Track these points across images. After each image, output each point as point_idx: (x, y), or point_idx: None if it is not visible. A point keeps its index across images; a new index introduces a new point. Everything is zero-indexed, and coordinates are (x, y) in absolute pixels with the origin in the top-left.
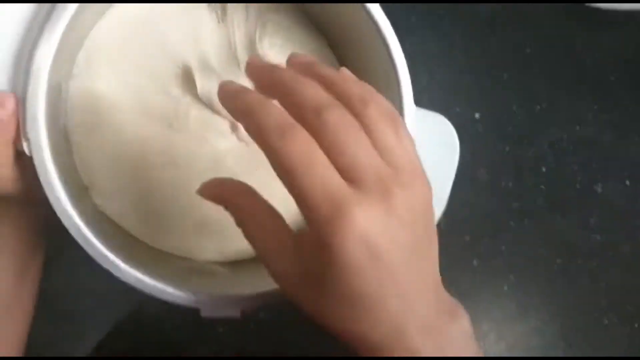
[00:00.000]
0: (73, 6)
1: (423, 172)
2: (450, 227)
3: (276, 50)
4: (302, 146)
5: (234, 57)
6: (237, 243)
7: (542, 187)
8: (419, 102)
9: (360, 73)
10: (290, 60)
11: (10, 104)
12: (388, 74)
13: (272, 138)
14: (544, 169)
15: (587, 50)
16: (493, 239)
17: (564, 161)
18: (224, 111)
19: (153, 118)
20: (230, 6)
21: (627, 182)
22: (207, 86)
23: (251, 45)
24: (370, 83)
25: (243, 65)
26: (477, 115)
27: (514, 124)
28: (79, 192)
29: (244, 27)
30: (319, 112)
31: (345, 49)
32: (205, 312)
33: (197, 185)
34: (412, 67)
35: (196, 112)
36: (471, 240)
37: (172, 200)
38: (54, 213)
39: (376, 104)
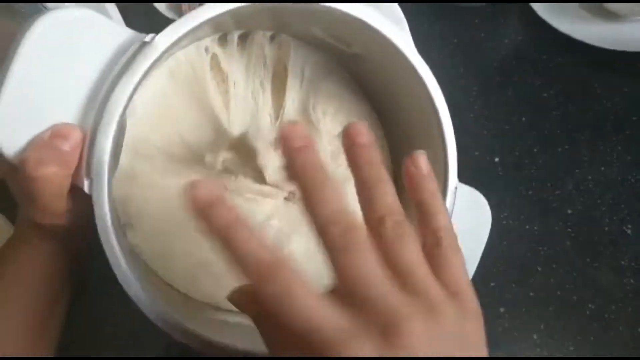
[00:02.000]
0: (155, 54)
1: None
2: (475, 273)
3: (329, 119)
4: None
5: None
6: None
7: (569, 230)
8: None
9: (405, 139)
10: (349, 135)
11: (75, 136)
12: (435, 144)
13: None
14: (570, 211)
15: (606, 92)
16: (520, 285)
17: (590, 203)
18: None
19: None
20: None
21: None
22: (266, 157)
23: (305, 113)
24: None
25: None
26: (496, 159)
27: (536, 167)
28: (118, 229)
29: (297, 95)
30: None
31: (391, 114)
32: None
33: None
34: None
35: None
36: (497, 286)
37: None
38: (97, 246)
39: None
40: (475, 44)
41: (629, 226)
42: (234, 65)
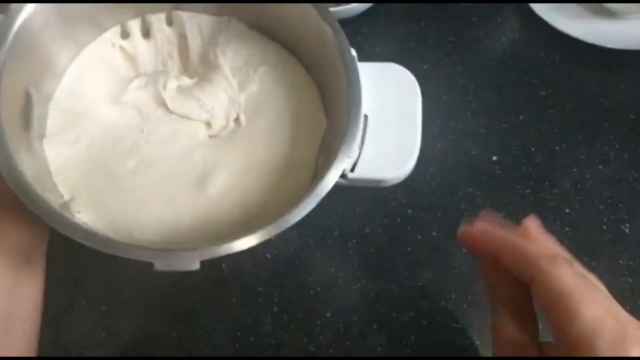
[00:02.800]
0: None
1: None
2: (473, 274)
3: (230, 55)
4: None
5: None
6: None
7: (567, 229)
8: (432, 145)
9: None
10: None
11: None
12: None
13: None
14: (567, 210)
15: (604, 90)
16: None
17: (588, 202)
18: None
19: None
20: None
21: None
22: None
23: (205, 59)
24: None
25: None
26: (494, 158)
27: (533, 166)
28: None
29: (198, 50)
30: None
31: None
32: (160, 266)
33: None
34: (427, 113)
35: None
36: None
37: (145, 199)
38: None
39: None
40: (473, 43)
41: (627, 225)
42: (142, 51)
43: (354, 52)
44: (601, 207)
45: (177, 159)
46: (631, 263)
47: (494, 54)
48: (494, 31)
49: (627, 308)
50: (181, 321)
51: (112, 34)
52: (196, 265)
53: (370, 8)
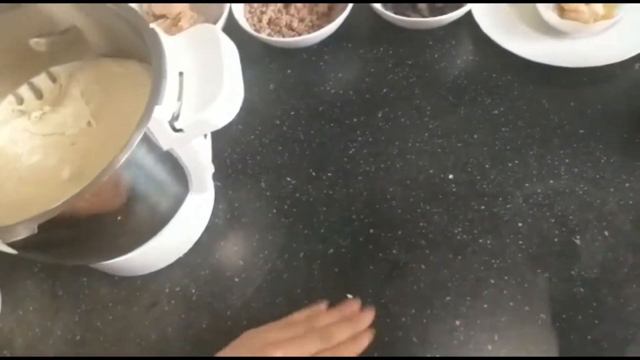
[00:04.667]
0: None
1: None
2: (432, 288)
3: (81, 82)
4: None
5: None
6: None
7: (521, 242)
8: (392, 166)
9: None
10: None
11: None
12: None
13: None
14: (520, 225)
15: (554, 107)
16: (474, 298)
17: (540, 215)
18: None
19: None
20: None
21: (606, 233)
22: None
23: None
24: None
25: None
26: (451, 176)
27: (488, 182)
28: None
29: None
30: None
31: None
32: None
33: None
34: (385, 134)
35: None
36: (452, 300)
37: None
38: None
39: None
40: (429, 65)
41: (578, 237)
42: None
43: (153, 26)
44: (552, 220)
45: (39, 164)
46: (582, 273)
47: (449, 76)
48: (449, 54)
49: (579, 317)
50: (153, 347)
51: (8, 103)
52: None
53: (332, 35)
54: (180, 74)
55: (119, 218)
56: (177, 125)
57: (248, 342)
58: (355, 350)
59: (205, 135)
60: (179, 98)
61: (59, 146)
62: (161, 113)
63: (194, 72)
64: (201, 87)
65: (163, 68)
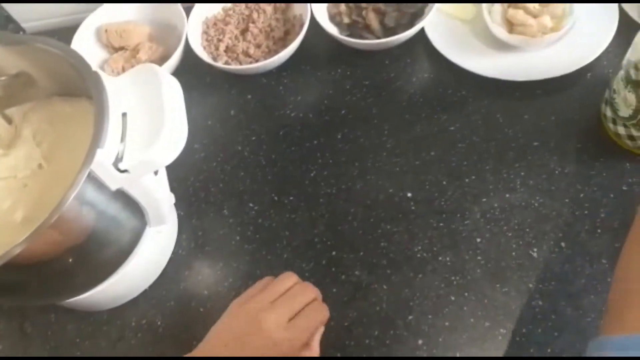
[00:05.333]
0: None
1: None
2: (394, 308)
3: (33, 123)
4: None
5: None
6: None
7: (479, 258)
8: (352, 187)
9: None
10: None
11: None
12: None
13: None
14: (478, 240)
15: (508, 121)
16: (435, 317)
17: (497, 230)
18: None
19: None
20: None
21: (562, 244)
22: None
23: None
24: None
25: None
26: (409, 194)
27: (446, 199)
28: None
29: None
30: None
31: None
32: None
33: None
34: (344, 155)
35: None
36: (414, 319)
37: None
38: None
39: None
40: (386, 85)
41: (535, 249)
42: None
43: (95, 69)
44: (509, 234)
45: None
46: (540, 286)
47: (405, 94)
48: (404, 72)
49: (539, 330)
50: None
51: None
52: None
53: (290, 59)
54: (124, 114)
55: (71, 260)
56: (122, 166)
57: (240, 312)
58: (325, 313)
59: (157, 172)
60: (122, 139)
61: (11, 189)
62: (104, 156)
63: (137, 113)
64: (144, 127)
65: (106, 111)
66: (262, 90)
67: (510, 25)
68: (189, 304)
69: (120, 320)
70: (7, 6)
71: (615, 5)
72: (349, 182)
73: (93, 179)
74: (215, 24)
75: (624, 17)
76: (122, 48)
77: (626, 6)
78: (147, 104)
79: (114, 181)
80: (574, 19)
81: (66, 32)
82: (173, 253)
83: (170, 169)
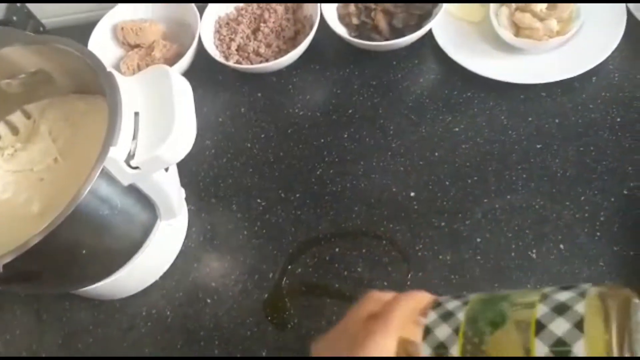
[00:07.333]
0: None
1: None
2: None
3: (50, 120)
4: None
5: None
6: None
7: (479, 257)
8: (357, 185)
9: None
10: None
11: None
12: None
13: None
14: (479, 240)
15: (512, 122)
16: None
17: (497, 230)
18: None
19: None
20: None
21: (561, 246)
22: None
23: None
24: None
25: None
26: (412, 194)
27: (447, 199)
28: None
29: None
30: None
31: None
32: None
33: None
34: (350, 154)
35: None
36: None
37: None
38: None
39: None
40: (393, 85)
41: (534, 250)
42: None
43: (110, 69)
44: (509, 235)
45: (10, 200)
46: (538, 286)
47: (412, 95)
48: (411, 73)
49: None
50: None
51: None
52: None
53: (300, 58)
54: (136, 114)
55: (85, 251)
56: (133, 163)
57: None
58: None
59: (167, 168)
60: (134, 137)
61: (28, 182)
62: (116, 153)
63: (148, 112)
64: (155, 125)
65: (119, 110)
66: (271, 89)
67: (517, 28)
68: (196, 295)
69: (131, 309)
70: (29, 4)
71: (624, 7)
72: (354, 181)
73: (106, 174)
74: (227, 23)
75: (631, 20)
76: (137, 46)
77: (633, 7)
78: (158, 103)
79: (126, 177)
80: (581, 23)
81: (84, 29)
82: (183, 246)
83: (181, 164)
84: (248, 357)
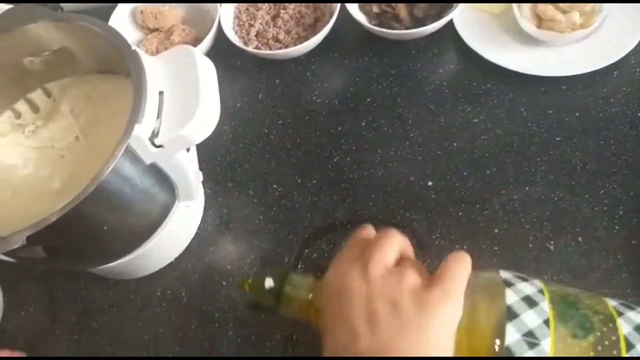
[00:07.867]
0: None
1: None
2: None
3: (71, 98)
4: None
5: None
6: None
7: (496, 248)
8: (374, 173)
9: None
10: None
11: None
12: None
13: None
14: (496, 231)
15: (532, 115)
16: None
17: (515, 222)
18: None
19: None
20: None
21: (580, 239)
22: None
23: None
24: None
25: None
26: (430, 183)
27: (465, 189)
28: None
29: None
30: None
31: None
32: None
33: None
34: (368, 143)
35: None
36: None
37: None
38: None
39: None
40: (412, 75)
41: (552, 242)
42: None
43: (134, 48)
44: (527, 227)
45: (31, 176)
46: (555, 278)
47: (431, 85)
48: (431, 63)
49: None
50: (145, 347)
51: (6, 118)
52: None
53: (319, 46)
54: (161, 93)
55: (106, 228)
56: (157, 141)
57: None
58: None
59: (189, 149)
60: (159, 116)
61: (49, 159)
62: (141, 131)
63: (173, 91)
64: (179, 105)
65: (144, 88)
66: (290, 76)
67: (539, 20)
68: (212, 277)
69: (146, 289)
70: None
71: None
72: (371, 169)
73: (129, 152)
74: (247, 8)
75: None
76: (156, 30)
77: None
78: (183, 83)
79: (149, 155)
80: (603, 17)
81: (103, 12)
82: (199, 228)
83: (199, 148)
84: (248, 357)
